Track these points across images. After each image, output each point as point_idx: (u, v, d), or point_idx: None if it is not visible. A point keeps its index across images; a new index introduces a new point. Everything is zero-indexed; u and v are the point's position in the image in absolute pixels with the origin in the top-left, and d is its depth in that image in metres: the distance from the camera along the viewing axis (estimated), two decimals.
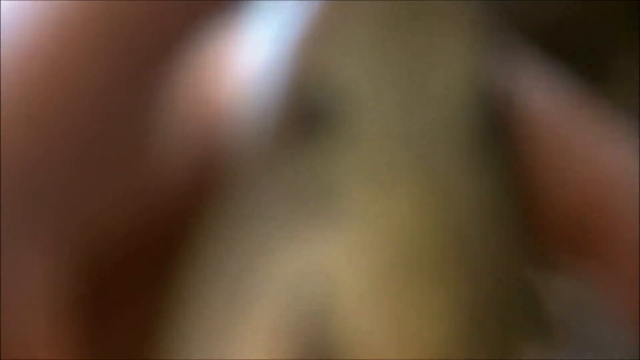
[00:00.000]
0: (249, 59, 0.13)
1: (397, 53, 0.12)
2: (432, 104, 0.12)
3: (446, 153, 0.12)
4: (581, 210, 0.14)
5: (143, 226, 0.12)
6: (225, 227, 0.12)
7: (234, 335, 0.11)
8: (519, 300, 0.12)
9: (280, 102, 0.12)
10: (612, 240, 0.14)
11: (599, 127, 0.14)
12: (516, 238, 0.12)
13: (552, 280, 0.13)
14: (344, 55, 0.12)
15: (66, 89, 0.11)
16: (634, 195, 0.14)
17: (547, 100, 0.13)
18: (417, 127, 0.11)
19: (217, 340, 0.11)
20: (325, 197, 0.11)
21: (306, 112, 0.12)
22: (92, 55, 0.11)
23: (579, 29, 0.42)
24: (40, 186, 0.11)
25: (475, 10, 0.12)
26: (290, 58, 0.12)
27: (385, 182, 0.11)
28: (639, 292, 0.14)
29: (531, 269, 0.12)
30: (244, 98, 0.13)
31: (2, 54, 0.11)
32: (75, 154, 0.11)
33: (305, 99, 0.12)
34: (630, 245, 0.14)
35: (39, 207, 0.11)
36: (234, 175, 0.12)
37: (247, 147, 0.12)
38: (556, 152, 0.13)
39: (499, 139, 0.12)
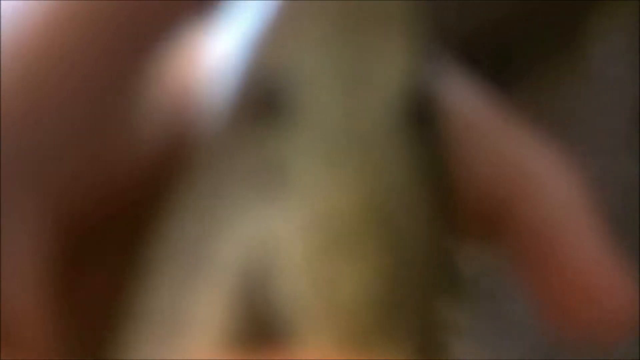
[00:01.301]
0: (216, 51, 0.14)
1: (343, 50, 0.13)
2: (372, 96, 0.13)
3: (380, 139, 0.13)
4: (491, 193, 0.15)
5: (117, 193, 0.13)
6: (188, 198, 0.13)
7: (194, 293, 0.12)
8: (435, 269, 0.13)
9: (240, 90, 0.13)
10: (515, 222, 0.15)
11: (510, 122, 0.15)
12: (436, 216, 0.13)
13: (464, 252, 0.14)
14: (297, 50, 0.13)
15: (58, 71, 0.12)
16: (539, 184, 0.15)
17: (465, 96, 0.15)
18: (358, 116, 0.13)
19: (180, 296, 0.12)
20: (275, 174, 0.12)
21: (262, 99, 0.13)
22: (85, 44, 0.12)
23: (496, 39, 0.48)
24: (27, 157, 0.12)
25: (412, 19, 0.13)
26: (251, 51, 0.13)
27: (325, 163, 0.12)
28: (536, 270, 0.15)
29: (447, 243, 0.14)
30: (210, 85, 0.14)
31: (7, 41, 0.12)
32: (60, 128, 0.12)
33: (262, 88, 0.13)
34: (530, 228, 0.15)
35: (27, 175, 0.12)
36: (199, 151, 0.13)
37: (211, 127, 0.13)
38: (471, 141, 0.15)
39: (426, 127, 0.13)
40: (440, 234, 0.13)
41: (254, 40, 0.13)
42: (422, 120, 0.13)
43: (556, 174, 0.16)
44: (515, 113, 0.16)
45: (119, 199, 0.14)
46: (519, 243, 0.15)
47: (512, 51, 0.50)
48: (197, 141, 0.14)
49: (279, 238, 0.12)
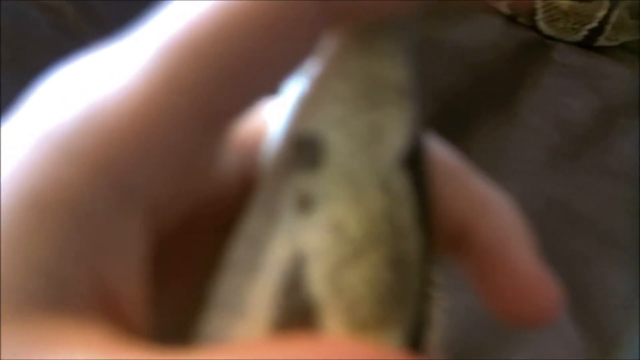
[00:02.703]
0: (272, 116, 0.16)
1: (357, 115, 0.15)
2: (380, 149, 0.15)
3: (386, 178, 0.15)
4: (455, 217, 0.17)
5: (204, 209, 0.16)
6: (251, 215, 0.15)
7: (250, 286, 0.14)
8: (421, 272, 0.15)
9: (286, 142, 0.15)
10: (473, 238, 0.17)
11: (466, 167, 0.18)
12: (423, 233, 0.15)
13: (439, 259, 0.16)
14: (325, 115, 0.15)
15: (165, 128, 0.13)
16: (488, 210, 0.17)
17: (439, 150, 0.17)
18: (370, 161, 0.15)
19: (240, 288, 0.14)
20: (308, 201, 0.14)
21: (300, 149, 0.15)
22: (185, 112, 0.14)
23: (457, 105, 0.61)
24: (141, 180, 0.14)
25: (405, 93, 0.15)
26: (293, 116, 0.15)
27: (344, 195, 0.14)
28: (486, 273, 0.17)
29: (430, 253, 0.15)
30: (267, 138, 0.16)
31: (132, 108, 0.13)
32: (167, 163, 0.14)
33: (301, 141, 0.15)
34: (483, 242, 0.17)
35: (141, 194, 0.14)
36: (259, 183, 0.15)
37: (267, 167, 0.15)
38: (443, 181, 0.17)
39: (417, 170, 0.15)
40: (426, 245, 0.15)
41: (295, 109, 0.15)
42: (415, 164, 0.15)
43: (499, 203, 0.18)
44: (468, 161, 0.18)
45: (205, 214, 0.16)
46: (476, 253, 0.17)
47: (467, 112, 0.63)
48: (258, 176, 0.16)
49: (309, 247, 0.14)
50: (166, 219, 0.15)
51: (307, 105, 0.15)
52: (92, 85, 0.14)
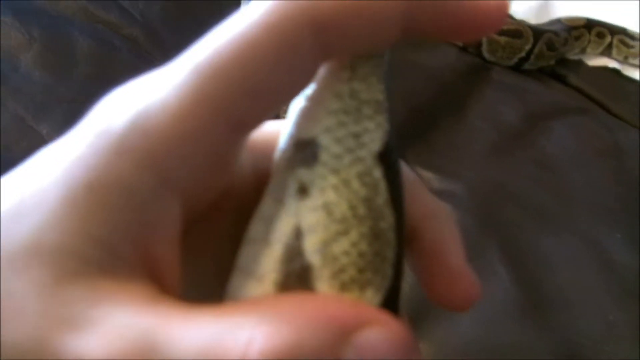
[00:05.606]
0: (279, 127, 0.18)
1: (343, 126, 0.16)
2: (362, 150, 0.16)
3: (366, 172, 0.16)
4: (410, 221, 0.18)
5: (227, 196, 0.17)
6: (264, 199, 0.16)
7: (261, 254, 0.15)
8: (394, 248, 0.16)
9: (290, 145, 0.16)
10: (419, 234, 0.19)
11: (421, 183, 0.19)
12: (396, 216, 0.16)
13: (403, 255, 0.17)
14: (319, 125, 0.16)
15: (196, 131, 0.14)
16: (432, 213, 0.19)
17: (404, 166, 0.18)
18: (350, 160, 0.16)
19: (254, 254, 0.16)
20: (306, 189, 0.16)
21: (301, 150, 0.16)
22: (211, 120, 0.14)
23: (421, 111, 0.67)
24: (178, 173, 0.15)
25: (382, 109, 0.17)
26: (295, 125, 0.17)
27: (334, 184, 0.16)
28: (428, 265, 0.19)
29: (401, 234, 0.16)
30: (275, 141, 0.18)
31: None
32: (197, 160, 0.15)
33: (301, 144, 0.16)
34: (427, 239, 0.19)
35: (177, 183, 0.15)
36: (270, 175, 0.17)
37: (275, 163, 0.17)
38: (409, 190, 0.18)
39: (389, 166, 0.16)
40: (398, 225, 0.16)
41: (297, 120, 0.17)
42: (387, 162, 0.16)
43: (442, 211, 0.19)
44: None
45: (228, 199, 0.17)
46: (421, 250, 0.19)
47: (431, 116, 0.70)
48: (270, 171, 0.17)
49: (306, 224, 0.15)
50: (197, 204, 0.16)
51: (306, 117, 0.17)
52: (139, 98, 0.15)
